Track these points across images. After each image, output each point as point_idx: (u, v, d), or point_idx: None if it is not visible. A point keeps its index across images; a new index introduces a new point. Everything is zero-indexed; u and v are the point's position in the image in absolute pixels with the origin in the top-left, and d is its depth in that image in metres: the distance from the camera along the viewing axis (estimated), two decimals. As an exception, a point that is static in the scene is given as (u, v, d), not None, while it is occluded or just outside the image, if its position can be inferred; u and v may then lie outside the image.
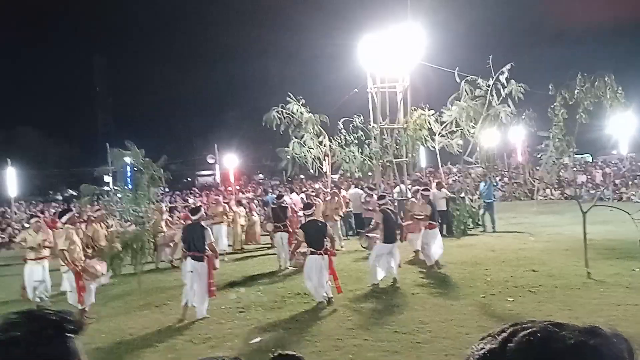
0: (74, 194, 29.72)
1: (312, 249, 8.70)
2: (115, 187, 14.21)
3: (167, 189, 33.71)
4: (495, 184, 15.04)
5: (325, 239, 8.76)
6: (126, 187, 13.07)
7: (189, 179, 49.20)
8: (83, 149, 44.83)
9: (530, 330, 0.66)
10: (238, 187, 34.16)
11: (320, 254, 8.61)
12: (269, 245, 15.27)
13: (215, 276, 10.72)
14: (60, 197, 40.79)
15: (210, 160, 45.64)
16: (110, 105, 52.68)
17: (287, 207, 13.20)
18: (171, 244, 13.92)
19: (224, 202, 16.64)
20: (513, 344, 0.65)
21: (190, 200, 26.82)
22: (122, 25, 49.73)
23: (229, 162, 34.96)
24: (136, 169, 12.45)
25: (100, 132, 49.34)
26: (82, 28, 48.96)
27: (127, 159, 12.78)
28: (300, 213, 11.95)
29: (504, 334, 0.67)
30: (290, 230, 12.45)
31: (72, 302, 8.44)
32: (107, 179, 30.79)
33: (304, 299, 8.97)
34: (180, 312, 8.24)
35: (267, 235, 15.37)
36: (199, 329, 7.74)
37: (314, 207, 10.18)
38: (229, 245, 15.46)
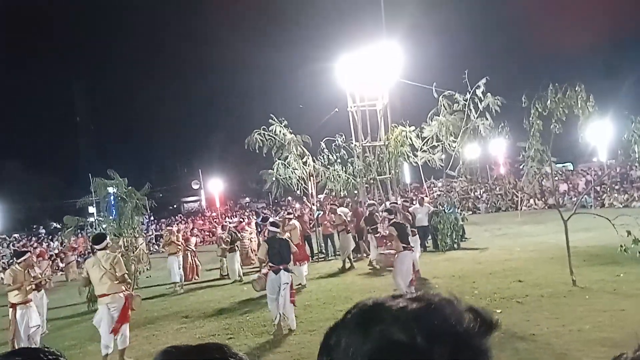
0: (58, 226, 29.29)
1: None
2: (99, 218, 14.09)
3: (152, 217, 33.47)
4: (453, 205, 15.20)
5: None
6: (110, 217, 12.98)
7: (175, 206, 48.79)
8: (66, 180, 44.23)
9: (371, 301, 0.74)
10: (222, 212, 34.04)
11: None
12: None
13: (201, 303, 10.62)
14: (43, 231, 40.17)
15: (195, 186, 45.49)
16: (92, 134, 52.26)
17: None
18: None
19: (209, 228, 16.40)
20: (350, 313, 0.73)
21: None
22: (102, 52, 49.53)
23: (214, 186, 34.94)
24: (119, 198, 12.41)
25: (82, 162, 48.85)
26: (60, 56, 48.61)
27: (110, 189, 12.74)
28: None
29: (351, 308, 0.75)
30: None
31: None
32: (92, 209, 30.43)
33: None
34: (274, 331, 8.18)
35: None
36: None
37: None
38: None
